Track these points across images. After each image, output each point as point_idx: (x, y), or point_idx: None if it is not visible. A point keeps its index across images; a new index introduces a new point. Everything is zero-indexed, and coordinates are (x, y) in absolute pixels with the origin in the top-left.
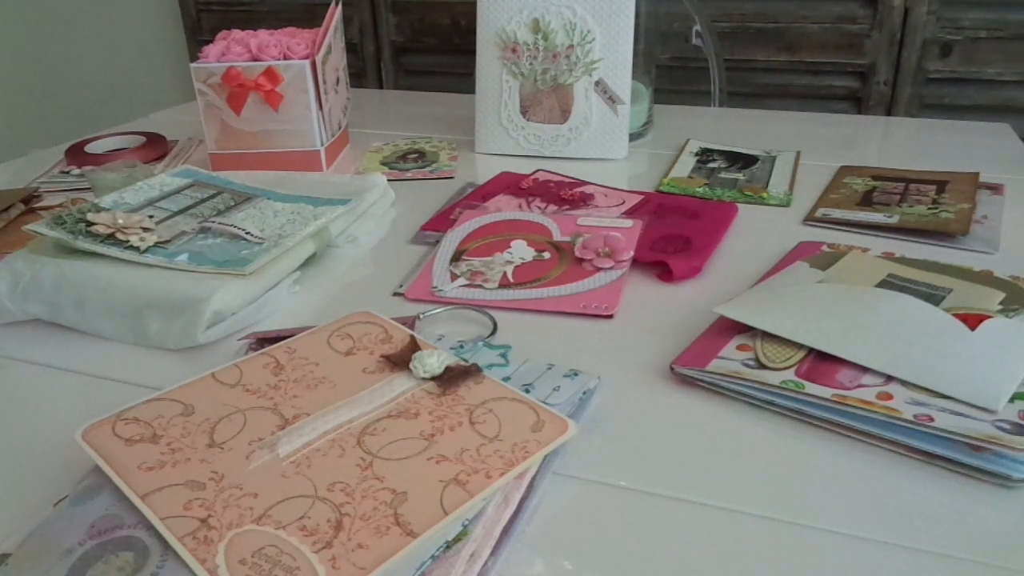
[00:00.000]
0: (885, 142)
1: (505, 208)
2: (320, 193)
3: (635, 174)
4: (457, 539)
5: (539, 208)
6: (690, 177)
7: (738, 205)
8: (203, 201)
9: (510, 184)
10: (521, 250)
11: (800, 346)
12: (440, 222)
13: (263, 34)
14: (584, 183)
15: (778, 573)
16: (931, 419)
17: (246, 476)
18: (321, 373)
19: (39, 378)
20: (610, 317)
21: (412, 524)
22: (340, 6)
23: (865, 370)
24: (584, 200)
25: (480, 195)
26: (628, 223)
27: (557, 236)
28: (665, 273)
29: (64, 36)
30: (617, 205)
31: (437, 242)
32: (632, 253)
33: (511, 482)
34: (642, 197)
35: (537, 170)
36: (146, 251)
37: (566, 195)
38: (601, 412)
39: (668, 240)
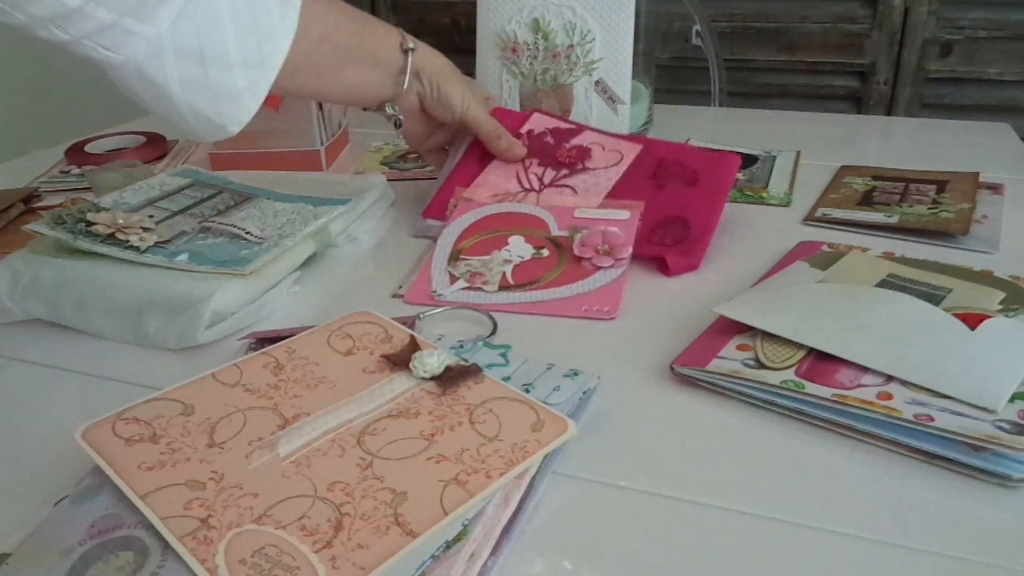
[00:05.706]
0: (885, 142)
1: (502, 172)
2: (320, 193)
3: None
4: (457, 539)
5: (536, 175)
6: None
7: (739, 156)
8: (203, 201)
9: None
10: (519, 248)
11: (800, 346)
12: (439, 207)
13: None
14: (582, 128)
15: (778, 573)
16: (931, 419)
17: (246, 476)
18: (321, 373)
19: (39, 378)
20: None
21: (412, 524)
22: None
23: (865, 370)
24: (580, 158)
25: (477, 153)
26: (625, 215)
27: (555, 231)
28: (664, 265)
29: None
30: (615, 164)
31: (436, 239)
32: (631, 249)
33: (511, 482)
34: (640, 147)
35: (533, 111)
36: (146, 251)
37: (562, 156)
38: (601, 412)
39: (666, 227)
